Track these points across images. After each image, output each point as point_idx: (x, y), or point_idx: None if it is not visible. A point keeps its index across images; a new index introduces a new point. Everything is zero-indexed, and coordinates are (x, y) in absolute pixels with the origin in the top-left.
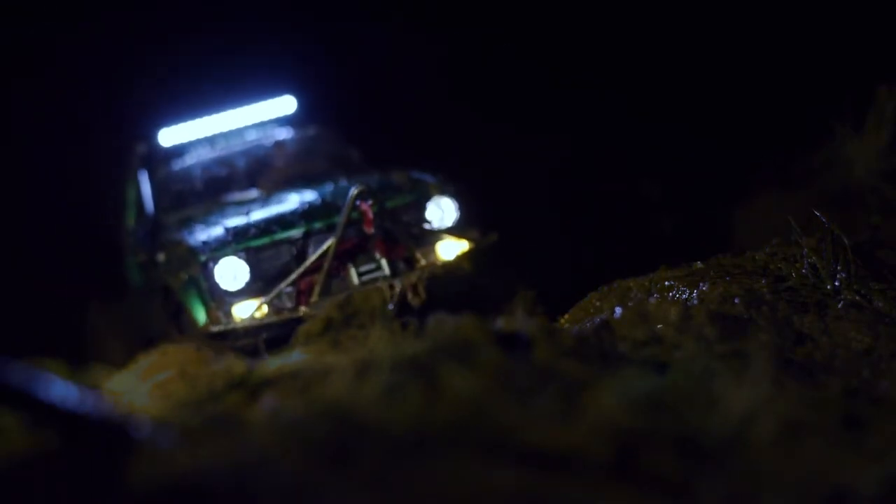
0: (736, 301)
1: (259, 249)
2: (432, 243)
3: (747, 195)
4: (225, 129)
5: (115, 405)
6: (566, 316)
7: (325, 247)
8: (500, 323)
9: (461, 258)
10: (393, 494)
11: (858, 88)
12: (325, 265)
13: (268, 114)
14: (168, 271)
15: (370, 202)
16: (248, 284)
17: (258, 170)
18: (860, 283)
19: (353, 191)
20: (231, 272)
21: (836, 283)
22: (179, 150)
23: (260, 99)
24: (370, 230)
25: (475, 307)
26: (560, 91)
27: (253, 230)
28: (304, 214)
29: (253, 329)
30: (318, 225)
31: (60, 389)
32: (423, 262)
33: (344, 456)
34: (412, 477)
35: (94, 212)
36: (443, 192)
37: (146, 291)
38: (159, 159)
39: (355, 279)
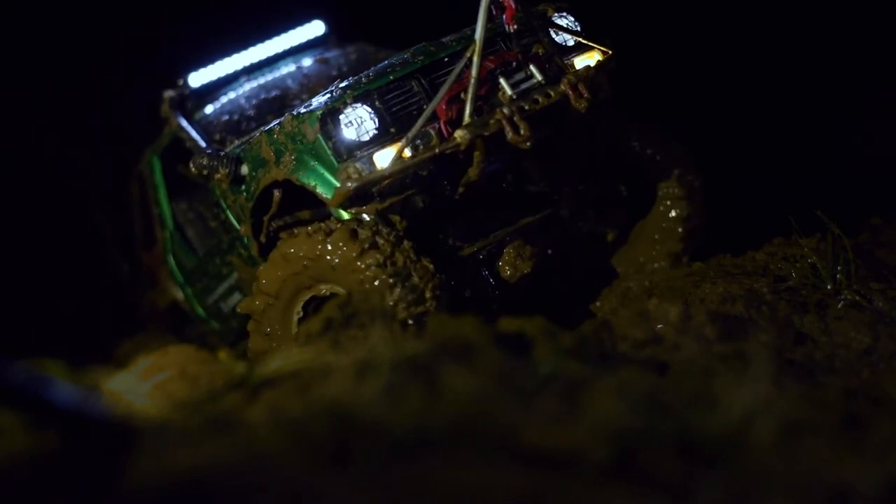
0: (736, 301)
1: (382, 91)
2: (572, 52)
3: None
4: (258, 61)
5: (115, 405)
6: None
7: (466, 58)
8: (502, 323)
9: (605, 63)
10: (393, 494)
11: None
12: (473, 78)
13: (300, 40)
14: (261, 169)
15: None
16: (378, 131)
17: (304, 91)
18: (860, 283)
19: None
20: (356, 121)
21: (836, 283)
22: (214, 89)
23: (289, 29)
24: (512, 26)
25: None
26: None
27: (369, 75)
28: (422, 52)
29: (401, 173)
30: (443, 54)
31: (60, 389)
32: (574, 66)
33: (344, 456)
34: (412, 477)
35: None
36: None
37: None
38: (194, 101)
39: (508, 90)
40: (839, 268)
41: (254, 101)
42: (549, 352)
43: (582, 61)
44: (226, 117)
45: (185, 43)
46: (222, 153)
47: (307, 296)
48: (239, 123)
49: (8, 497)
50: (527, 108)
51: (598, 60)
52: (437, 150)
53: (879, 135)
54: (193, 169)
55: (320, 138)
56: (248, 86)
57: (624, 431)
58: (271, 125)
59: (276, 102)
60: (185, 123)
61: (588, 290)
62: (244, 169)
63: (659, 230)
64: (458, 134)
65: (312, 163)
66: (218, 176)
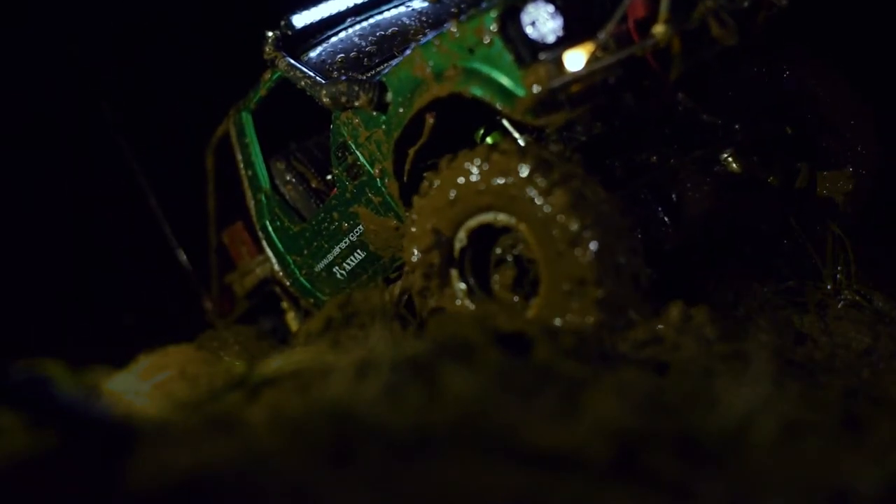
0: (736, 301)
1: None
2: None
3: None
4: (363, 2)
5: (115, 405)
6: None
7: None
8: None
9: None
10: (393, 494)
11: None
12: None
13: None
14: (415, 91)
15: None
16: (564, 30)
17: (425, 28)
18: (860, 283)
19: None
20: (539, 19)
21: (836, 283)
22: (318, 31)
23: None
24: None
25: None
26: None
27: None
28: None
29: (597, 76)
30: None
31: (60, 389)
32: None
33: (344, 456)
34: (412, 477)
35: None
36: None
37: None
38: (298, 44)
39: None
40: (839, 268)
41: (371, 39)
42: (550, 352)
43: None
44: (341, 56)
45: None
46: (362, 78)
47: (467, 230)
48: (359, 60)
49: (8, 497)
50: (730, 3)
51: None
52: (634, 49)
53: None
54: (326, 99)
55: (498, 41)
56: (357, 27)
57: (624, 431)
58: (427, 39)
59: (398, 39)
60: (295, 63)
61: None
62: (385, 97)
63: (824, 185)
64: (658, 29)
65: (487, 71)
66: (359, 103)
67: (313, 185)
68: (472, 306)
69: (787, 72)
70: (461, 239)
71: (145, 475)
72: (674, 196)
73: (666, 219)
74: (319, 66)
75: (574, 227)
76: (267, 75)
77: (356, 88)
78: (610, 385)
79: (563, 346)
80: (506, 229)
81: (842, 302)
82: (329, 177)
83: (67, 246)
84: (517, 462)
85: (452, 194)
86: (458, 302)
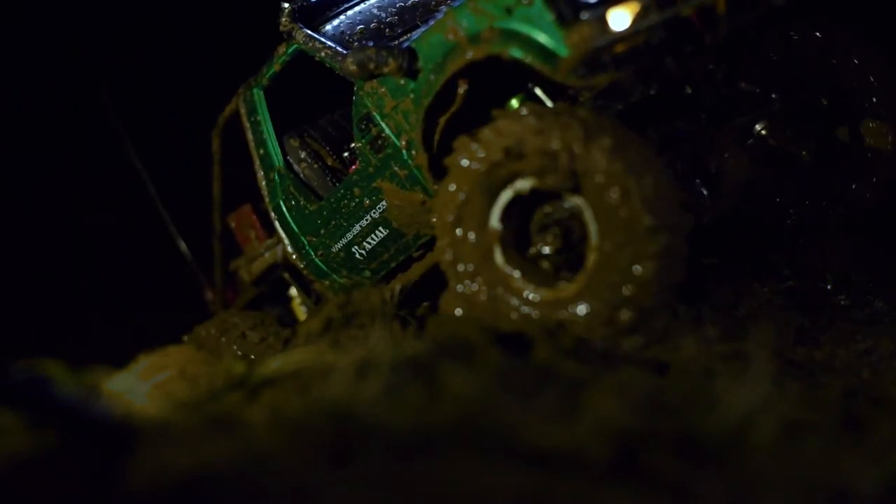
0: (736, 301)
1: None
2: None
3: None
4: None
5: (114, 405)
6: None
7: None
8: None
9: None
10: (393, 494)
11: None
12: None
13: None
14: (448, 56)
15: None
16: None
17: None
18: (860, 284)
19: None
20: None
21: (836, 284)
22: (333, 4)
23: None
24: None
25: None
26: None
27: None
28: None
29: (643, 36)
30: None
31: (60, 389)
32: None
33: (344, 456)
34: (412, 477)
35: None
36: None
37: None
38: (313, 16)
39: None
40: (839, 268)
41: (391, 10)
42: (550, 352)
43: None
44: (360, 27)
45: None
46: (391, 44)
47: (508, 195)
48: (381, 31)
49: (8, 497)
50: None
51: None
52: (681, 8)
53: None
54: (353, 67)
55: (536, 2)
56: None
57: (624, 431)
58: (459, 1)
59: (419, 9)
60: (314, 34)
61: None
62: (415, 64)
63: (858, 158)
64: None
65: (526, 31)
66: (388, 69)
67: (329, 163)
68: (510, 272)
69: (823, 40)
70: (501, 204)
71: (145, 475)
72: (711, 167)
73: (704, 191)
74: (338, 38)
75: (631, 185)
76: (282, 49)
77: (385, 54)
78: (610, 385)
79: (563, 346)
80: (549, 196)
81: (842, 302)
82: (346, 154)
83: (68, 246)
84: (517, 462)
85: (496, 156)
86: (496, 270)
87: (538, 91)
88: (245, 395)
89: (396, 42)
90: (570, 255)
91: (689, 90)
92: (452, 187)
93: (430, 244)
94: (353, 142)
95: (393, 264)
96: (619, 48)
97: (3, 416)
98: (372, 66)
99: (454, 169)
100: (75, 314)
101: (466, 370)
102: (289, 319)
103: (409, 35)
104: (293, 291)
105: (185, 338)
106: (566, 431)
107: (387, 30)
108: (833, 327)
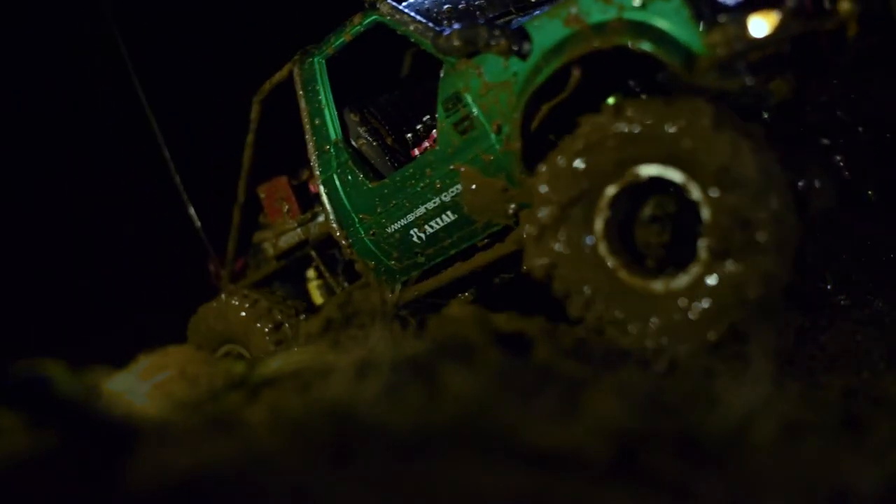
0: None
1: None
2: None
3: None
4: None
5: (114, 405)
6: None
7: None
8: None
9: None
10: (393, 494)
11: None
12: None
13: None
14: (566, 42)
15: None
16: None
17: None
18: (860, 283)
19: None
20: None
21: (835, 283)
22: None
23: None
24: None
25: None
26: None
27: None
28: None
29: (781, 44)
30: None
31: (60, 389)
32: None
33: (344, 456)
34: (412, 477)
35: None
36: None
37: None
38: None
39: None
40: (839, 268)
41: None
42: (550, 352)
43: None
44: (447, 5)
45: None
46: (501, 23)
47: (618, 187)
48: (469, 12)
49: (8, 497)
50: None
51: None
52: (819, 22)
53: None
54: (456, 42)
55: None
56: None
57: (624, 431)
58: None
59: None
60: (402, 7)
61: None
62: (525, 46)
63: None
64: (844, 5)
65: (661, 26)
66: (498, 49)
67: (387, 142)
68: (607, 260)
69: None
70: (612, 190)
71: (145, 475)
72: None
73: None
74: (424, 15)
75: (756, 181)
76: (357, 19)
77: (498, 33)
78: (610, 385)
79: (562, 346)
80: (662, 186)
81: (842, 302)
82: (408, 135)
83: (68, 246)
84: (517, 462)
85: (614, 141)
86: (601, 262)
87: (638, 88)
88: (245, 395)
89: (501, 22)
90: (676, 249)
91: (801, 106)
92: (562, 160)
93: (500, 234)
94: (415, 125)
95: (453, 251)
96: (755, 55)
97: (3, 416)
98: (481, 44)
99: (567, 145)
100: (75, 314)
101: (466, 370)
102: (299, 299)
103: (508, 18)
104: (310, 273)
105: (193, 319)
106: (566, 431)
107: (476, 12)
108: (833, 327)
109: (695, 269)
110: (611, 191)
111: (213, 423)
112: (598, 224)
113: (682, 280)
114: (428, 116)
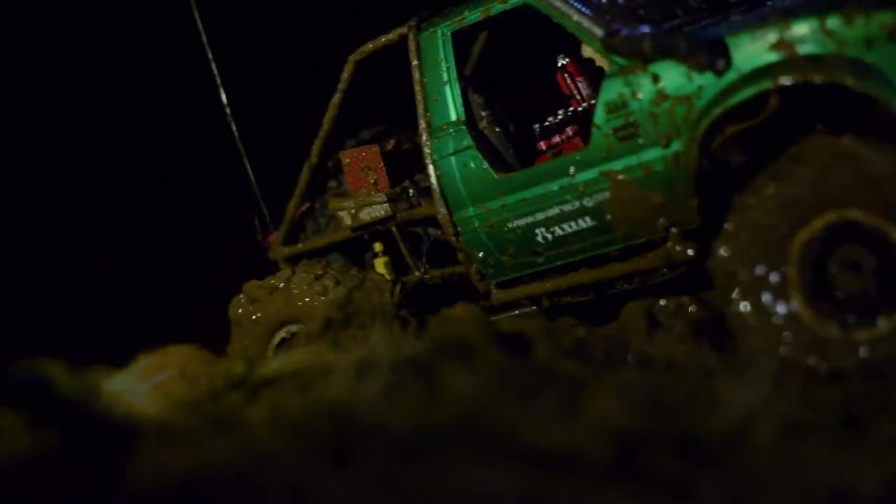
0: None
1: None
2: None
3: None
4: None
5: (114, 405)
6: None
7: None
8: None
9: None
10: (393, 494)
11: None
12: None
13: None
14: (783, 63)
15: None
16: None
17: None
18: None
19: None
20: None
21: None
22: None
23: None
24: None
25: None
26: None
27: None
28: None
29: None
30: None
31: (60, 389)
32: None
33: (344, 456)
34: (412, 477)
35: None
36: None
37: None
38: None
39: None
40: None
41: None
42: (550, 352)
43: None
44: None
45: None
46: (699, 34)
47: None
48: (631, 11)
49: (8, 497)
50: None
51: None
52: None
53: None
54: (647, 48)
55: None
56: None
57: (624, 431)
58: (800, 14)
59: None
60: None
61: None
62: (721, 63)
63: None
64: None
65: (887, 69)
66: (694, 62)
67: (510, 129)
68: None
69: None
70: (810, 231)
71: (145, 475)
72: None
73: None
74: (585, 5)
75: None
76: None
77: (696, 46)
78: (610, 385)
79: (563, 346)
80: (859, 233)
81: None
82: (536, 126)
83: (68, 246)
84: (517, 462)
85: (823, 178)
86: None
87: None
88: (245, 395)
89: (686, 30)
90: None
91: None
92: (760, 195)
93: (640, 249)
94: (545, 119)
95: (579, 257)
96: None
97: (3, 416)
98: (679, 55)
99: (769, 177)
100: (75, 314)
101: (466, 370)
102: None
103: (685, 26)
104: (378, 246)
105: (235, 300)
106: (566, 431)
107: (640, 11)
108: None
109: None
110: (812, 228)
111: (213, 423)
112: (790, 264)
113: (882, 328)
114: (562, 110)
